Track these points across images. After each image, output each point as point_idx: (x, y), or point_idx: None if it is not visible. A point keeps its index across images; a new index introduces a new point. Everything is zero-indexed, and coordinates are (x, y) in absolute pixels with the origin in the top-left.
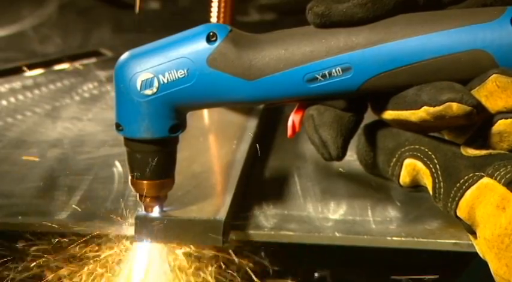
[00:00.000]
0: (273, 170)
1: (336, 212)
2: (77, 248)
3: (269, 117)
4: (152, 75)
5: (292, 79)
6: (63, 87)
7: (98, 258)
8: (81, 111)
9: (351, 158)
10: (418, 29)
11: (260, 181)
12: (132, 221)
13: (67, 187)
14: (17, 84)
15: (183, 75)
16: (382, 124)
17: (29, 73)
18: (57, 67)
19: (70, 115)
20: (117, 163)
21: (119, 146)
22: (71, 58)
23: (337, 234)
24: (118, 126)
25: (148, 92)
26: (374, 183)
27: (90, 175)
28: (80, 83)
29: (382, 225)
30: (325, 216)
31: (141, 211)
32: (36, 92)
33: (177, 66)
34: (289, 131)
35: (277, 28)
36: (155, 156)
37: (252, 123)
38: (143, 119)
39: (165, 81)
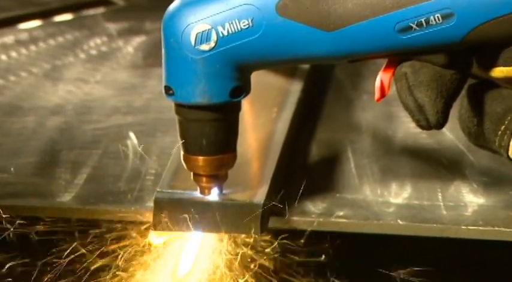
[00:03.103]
0: (322, 144)
1: (398, 195)
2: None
3: (317, 79)
4: (209, 27)
5: (381, 29)
6: (65, 43)
7: (108, 251)
8: (87, 71)
9: (417, 130)
10: None
11: (306, 157)
12: (150, 204)
13: (71, 163)
14: (9, 38)
15: (246, 26)
16: (490, 84)
17: (24, 25)
18: (58, 18)
19: (74, 76)
20: (131, 134)
21: (134, 114)
22: (75, 7)
23: (400, 222)
24: (168, 90)
25: (204, 47)
26: (445, 160)
27: (99, 149)
28: (86, 37)
29: (455, 211)
30: (386, 200)
31: (161, 192)
32: (33, 48)
33: (239, 15)
34: (377, 94)
35: None
36: (213, 126)
37: (296, 87)
38: (199, 81)
39: (225, 33)
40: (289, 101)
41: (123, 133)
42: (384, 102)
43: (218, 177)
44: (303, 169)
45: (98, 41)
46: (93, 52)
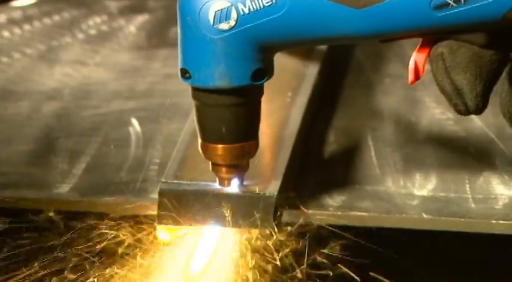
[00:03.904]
0: (340, 131)
1: (423, 186)
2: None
3: (335, 61)
4: (229, 4)
5: (415, 6)
6: (62, 22)
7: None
8: (85, 53)
9: (443, 116)
10: None
11: (323, 146)
12: (154, 196)
13: (69, 152)
14: (1, 17)
15: (269, 3)
16: None
17: (18, 2)
18: None
19: (71, 58)
20: (133, 121)
21: (136, 99)
22: None
23: (425, 216)
24: (184, 73)
25: (224, 26)
26: (473, 148)
27: (99, 136)
28: (84, 16)
29: (484, 204)
30: (409, 192)
31: (166, 183)
32: (27, 27)
33: None
34: (411, 76)
35: None
36: (234, 112)
37: (312, 70)
38: (218, 62)
39: (246, 11)
40: (304, 85)
41: (124, 119)
42: (406, 85)
43: (239, 167)
44: (319, 159)
45: (98, 19)
46: (92, 32)
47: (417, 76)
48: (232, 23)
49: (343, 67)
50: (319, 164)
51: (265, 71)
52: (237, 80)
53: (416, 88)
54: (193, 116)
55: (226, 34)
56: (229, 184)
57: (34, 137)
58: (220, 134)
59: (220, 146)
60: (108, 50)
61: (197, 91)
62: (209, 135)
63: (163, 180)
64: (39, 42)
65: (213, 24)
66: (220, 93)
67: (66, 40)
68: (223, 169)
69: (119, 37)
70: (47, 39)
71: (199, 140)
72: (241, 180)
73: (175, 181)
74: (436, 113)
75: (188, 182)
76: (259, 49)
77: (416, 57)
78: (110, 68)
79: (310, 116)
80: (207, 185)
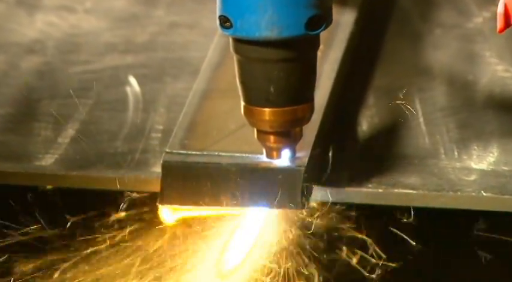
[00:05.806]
0: (380, 92)
1: (482, 158)
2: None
3: (375, 7)
4: None
5: None
6: None
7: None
8: None
9: (507, 74)
10: None
11: (360, 109)
12: (157, 169)
13: (53, 116)
14: None
15: None
16: None
17: None
18: None
19: (56, 3)
20: (131, 79)
21: (135, 53)
22: None
23: (485, 194)
24: (224, 21)
25: None
26: None
27: (90, 98)
28: None
29: None
30: (465, 165)
31: (171, 153)
32: None
33: None
34: (500, 22)
35: None
36: (284, 68)
37: (347, 18)
38: (265, 8)
39: None
40: (338, 36)
41: (121, 77)
42: (462, 37)
43: (290, 135)
44: (356, 125)
45: None
46: None
47: (508, 23)
48: None
49: (385, 15)
50: (356, 132)
51: (322, 18)
52: (288, 30)
53: (475, 40)
54: (205, 73)
55: None
56: (278, 155)
57: (12, 99)
58: (268, 95)
59: (267, 109)
60: None
61: (239, 43)
62: (254, 96)
63: (167, 150)
64: None
65: None
66: (268, 46)
67: None
68: (271, 137)
69: None
70: None
71: (242, 103)
72: (294, 152)
73: (181, 151)
74: (498, 70)
75: (198, 152)
76: None
77: (506, 0)
78: (102, 16)
79: (345, 74)
80: (220, 156)
